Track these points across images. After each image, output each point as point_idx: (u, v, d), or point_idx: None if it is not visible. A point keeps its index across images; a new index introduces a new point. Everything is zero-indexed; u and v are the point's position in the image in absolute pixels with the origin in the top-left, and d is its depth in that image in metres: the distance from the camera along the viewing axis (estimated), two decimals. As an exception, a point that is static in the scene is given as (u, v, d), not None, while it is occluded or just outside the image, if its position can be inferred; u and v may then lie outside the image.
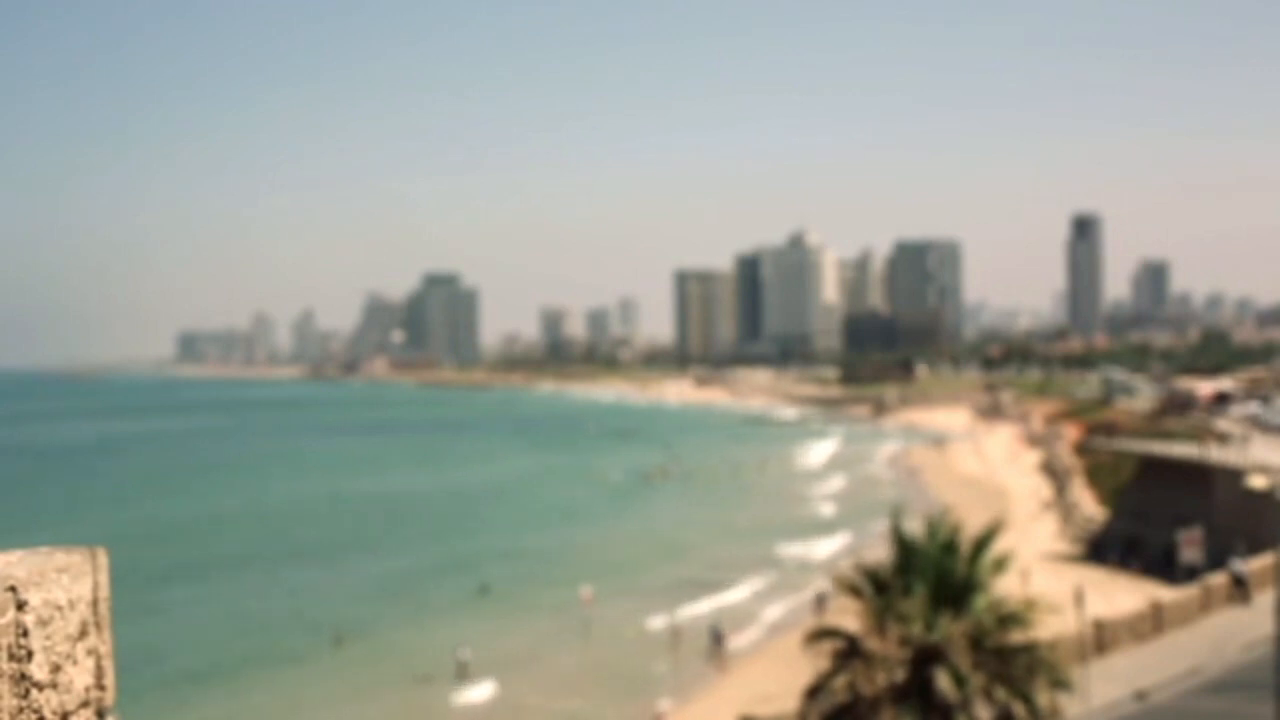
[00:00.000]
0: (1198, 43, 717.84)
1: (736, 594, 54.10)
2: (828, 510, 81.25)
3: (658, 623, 48.58)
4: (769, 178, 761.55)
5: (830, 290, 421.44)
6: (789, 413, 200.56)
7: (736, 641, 45.58)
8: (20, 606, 2.12)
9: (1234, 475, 50.10)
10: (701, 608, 50.69)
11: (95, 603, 2.34)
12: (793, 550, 64.87)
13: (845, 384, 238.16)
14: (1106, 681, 28.05)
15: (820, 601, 46.84)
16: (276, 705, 39.50)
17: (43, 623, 2.17)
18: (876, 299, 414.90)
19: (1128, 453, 66.36)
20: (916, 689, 20.35)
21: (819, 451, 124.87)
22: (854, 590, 22.46)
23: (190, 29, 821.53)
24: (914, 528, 24.36)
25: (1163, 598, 36.30)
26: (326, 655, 45.30)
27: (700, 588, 54.66)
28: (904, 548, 22.38)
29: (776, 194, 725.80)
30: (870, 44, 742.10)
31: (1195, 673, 29.48)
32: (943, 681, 20.10)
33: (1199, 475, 53.15)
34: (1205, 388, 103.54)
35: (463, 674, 41.64)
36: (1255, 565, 37.60)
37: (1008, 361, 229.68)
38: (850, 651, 21.18)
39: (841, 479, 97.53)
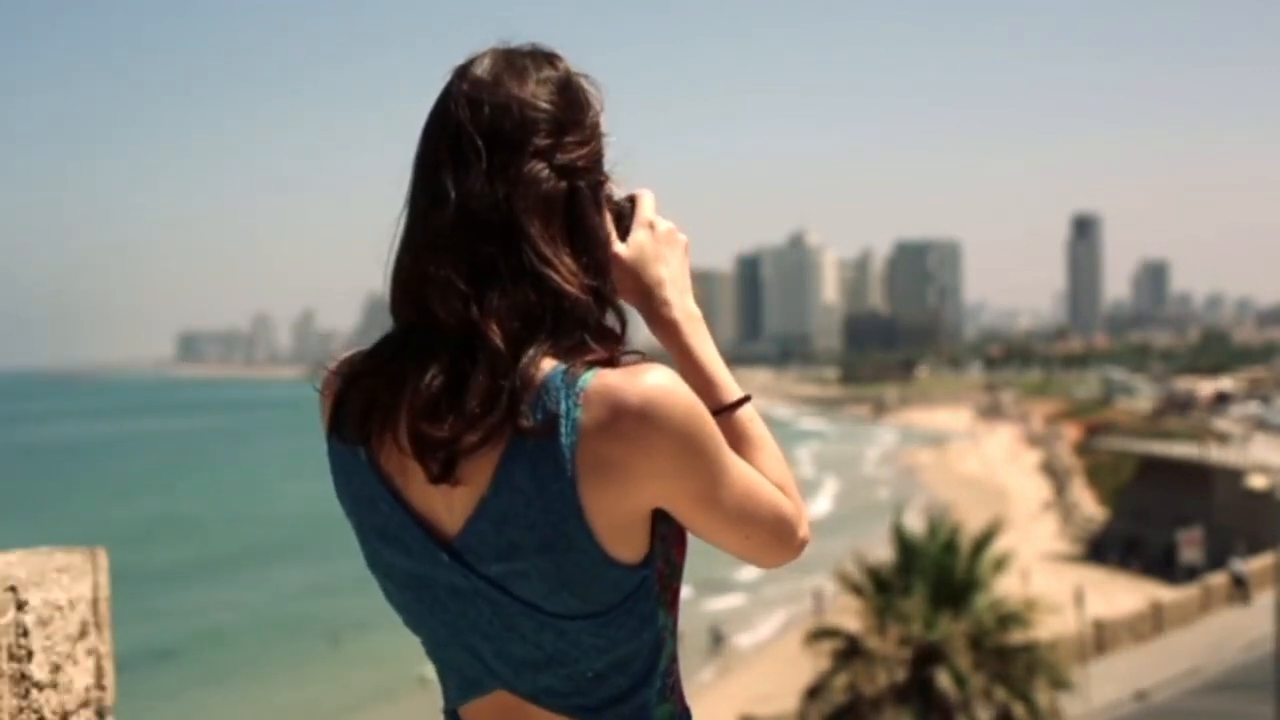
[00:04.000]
0: (1198, 43, 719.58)
1: (740, 594, 54.04)
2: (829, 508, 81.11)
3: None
4: (769, 178, 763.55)
5: (830, 290, 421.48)
6: (804, 412, 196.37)
7: (737, 641, 45.52)
8: (20, 606, 2.12)
9: (1234, 475, 50.04)
10: (702, 607, 50.60)
11: (95, 603, 2.34)
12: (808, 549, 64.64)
13: (845, 384, 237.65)
14: (1106, 681, 28.04)
15: (820, 601, 46.82)
16: (276, 707, 39.45)
17: (43, 623, 2.17)
18: (876, 299, 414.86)
19: (1128, 453, 66.28)
20: (916, 689, 20.37)
21: (838, 452, 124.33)
22: (855, 589, 22.50)
23: (191, 28, 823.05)
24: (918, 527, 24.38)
25: (1163, 598, 36.28)
26: (324, 655, 45.23)
27: (703, 587, 54.61)
28: (905, 547, 22.42)
29: (776, 194, 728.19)
30: (870, 44, 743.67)
31: (1195, 673, 29.49)
32: (943, 681, 20.12)
33: (1199, 475, 53.10)
34: (1205, 388, 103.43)
35: None
36: (1255, 565, 37.58)
37: (1008, 362, 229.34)
38: (850, 651, 21.20)
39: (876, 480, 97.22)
